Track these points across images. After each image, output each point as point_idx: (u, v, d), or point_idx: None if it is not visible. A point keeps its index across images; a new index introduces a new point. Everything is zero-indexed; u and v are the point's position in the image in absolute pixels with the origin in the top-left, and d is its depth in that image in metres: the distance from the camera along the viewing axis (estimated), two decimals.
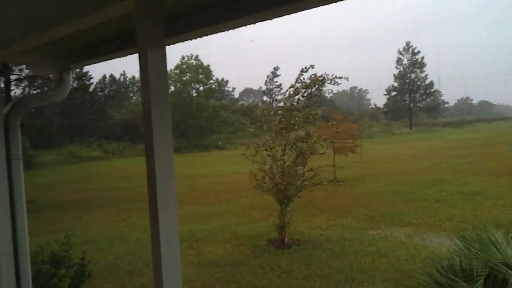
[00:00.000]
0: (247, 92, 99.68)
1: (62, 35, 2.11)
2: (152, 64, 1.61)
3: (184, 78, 54.45)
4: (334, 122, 13.05)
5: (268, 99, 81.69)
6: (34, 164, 30.31)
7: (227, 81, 77.21)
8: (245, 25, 1.89)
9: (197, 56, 55.43)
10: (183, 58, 55.21)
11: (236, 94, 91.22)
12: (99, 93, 63.29)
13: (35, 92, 21.42)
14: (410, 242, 9.53)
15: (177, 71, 54.76)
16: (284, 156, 9.57)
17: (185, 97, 54.18)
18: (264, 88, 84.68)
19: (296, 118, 9.52)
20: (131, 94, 72.20)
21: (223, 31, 1.92)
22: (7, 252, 2.81)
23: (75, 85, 23.51)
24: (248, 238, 10.40)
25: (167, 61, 1.68)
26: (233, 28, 1.90)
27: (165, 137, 1.67)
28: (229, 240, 10.41)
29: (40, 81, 21.21)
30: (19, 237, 2.87)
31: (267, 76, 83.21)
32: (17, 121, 2.76)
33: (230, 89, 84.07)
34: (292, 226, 10.12)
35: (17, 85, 20.62)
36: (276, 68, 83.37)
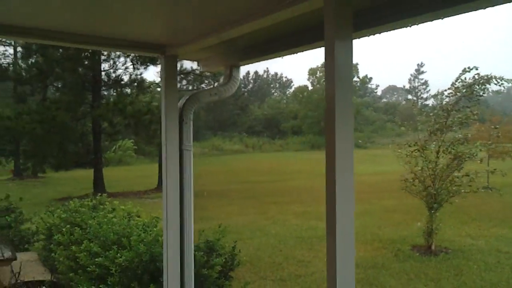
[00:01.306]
0: (391, 89, 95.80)
1: (242, 33, 2.17)
2: (339, 58, 1.58)
3: None
4: (496, 126, 12.05)
5: (413, 98, 77.51)
6: None
7: (370, 78, 74.75)
8: (435, 20, 1.77)
9: None
10: None
11: (379, 92, 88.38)
12: (243, 89, 65.98)
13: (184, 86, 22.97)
14: None
15: (323, 68, 55.34)
16: (438, 159, 9.04)
17: None
18: (407, 86, 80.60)
19: (455, 118, 8.95)
20: (273, 91, 74.16)
21: (411, 25, 1.82)
22: (174, 239, 2.98)
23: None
24: (390, 242, 10.04)
25: (353, 56, 1.64)
26: (422, 23, 1.79)
27: (347, 133, 1.63)
28: (371, 242, 10.14)
29: (192, 76, 22.68)
30: (185, 225, 3.02)
31: (411, 74, 78.99)
32: (190, 115, 2.91)
33: (373, 86, 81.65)
34: (440, 232, 9.53)
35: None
36: (420, 65, 78.73)
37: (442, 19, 1.84)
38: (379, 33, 1.97)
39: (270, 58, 2.60)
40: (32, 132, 17.39)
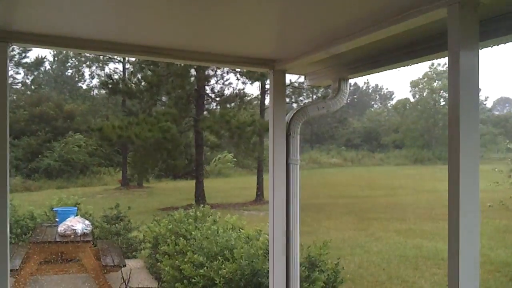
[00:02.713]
0: (502, 101, 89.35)
1: (354, 47, 2.13)
2: (464, 70, 1.51)
3: (434, 85, 52.78)
4: None
5: None
6: None
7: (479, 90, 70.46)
8: None
9: (445, 63, 53.02)
10: (432, 64, 53.51)
11: (489, 103, 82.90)
12: None
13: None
14: None
15: (425, 79, 53.57)
16: None
17: (431, 106, 52.47)
18: None
19: None
20: (372, 102, 72.50)
21: None
22: (280, 253, 2.95)
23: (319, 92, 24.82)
24: (504, 264, 9.30)
25: (479, 67, 1.55)
26: None
27: (473, 149, 1.55)
28: (482, 264, 9.45)
29: (291, 89, 22.92)
30: (291, 239, 2.99)
31: None
32: (297, 128, 2.89)
33: (482, 97, 76.97)
34: None
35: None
36: None
37: None
38: (505, 43, 1.85)
39: (382, 71, 2.53)
40: (140, 142, 18.46)
